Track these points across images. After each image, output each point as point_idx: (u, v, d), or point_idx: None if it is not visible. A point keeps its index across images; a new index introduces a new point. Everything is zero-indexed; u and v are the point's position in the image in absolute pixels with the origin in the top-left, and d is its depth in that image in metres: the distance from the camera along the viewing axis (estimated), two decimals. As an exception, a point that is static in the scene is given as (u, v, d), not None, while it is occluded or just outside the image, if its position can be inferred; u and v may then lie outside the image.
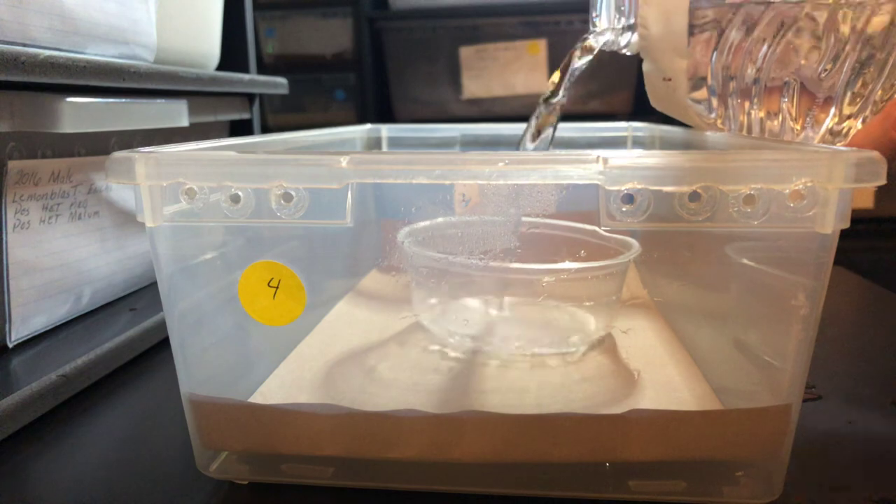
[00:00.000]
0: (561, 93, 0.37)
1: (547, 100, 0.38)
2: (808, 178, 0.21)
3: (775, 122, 0.29)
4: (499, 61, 1.16)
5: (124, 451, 0.29)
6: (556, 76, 0.37)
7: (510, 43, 1.16)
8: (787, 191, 0.21)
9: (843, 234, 0.22)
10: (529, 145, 0.39)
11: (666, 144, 0.47)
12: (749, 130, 0.30)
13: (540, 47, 1.15)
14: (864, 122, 0.28)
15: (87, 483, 0.27)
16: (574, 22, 1.14)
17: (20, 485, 0.27)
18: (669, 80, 0.31)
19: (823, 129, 0.28)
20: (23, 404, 0.30)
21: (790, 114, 0.28)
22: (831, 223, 0.21)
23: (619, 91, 1.15)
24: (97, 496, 0.26)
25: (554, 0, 1.14)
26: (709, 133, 0.34)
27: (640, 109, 1.16)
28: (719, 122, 0.31)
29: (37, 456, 0.29)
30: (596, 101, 1.15)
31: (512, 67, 1.16)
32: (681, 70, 0.30)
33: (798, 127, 0.28)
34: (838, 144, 0.28)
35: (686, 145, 0.41)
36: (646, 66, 0.32)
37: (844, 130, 0.28)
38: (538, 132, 0.38)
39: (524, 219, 0.25)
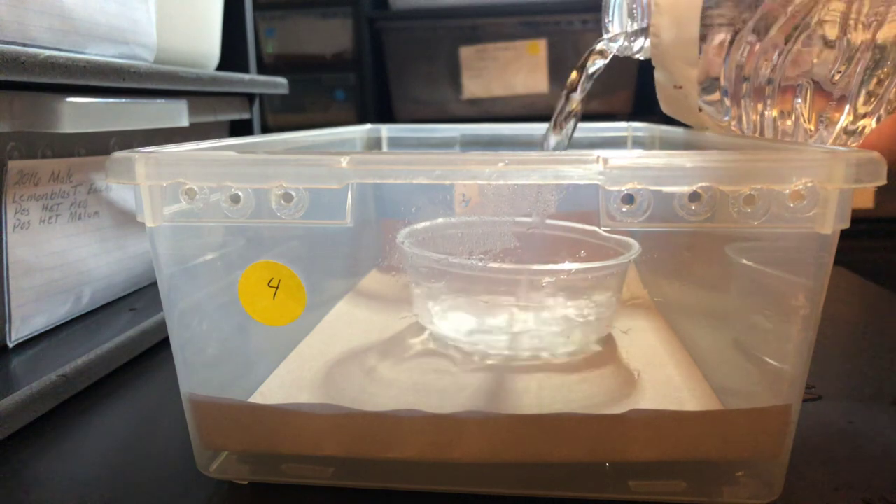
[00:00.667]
0: (579, 89, 0.37)
1: (568, 94, 0.38)
2: (808, 179, 0.21)
3: (788, 122, 0.29)
4: (499, 61, 1.16)
5: (124, 451, 0.29)
6: (573, 74, 0.37)
7: (510, 43, 1.16)
8: (788, 191, 0.21)
9: (843, 234, 0.22)
10: (552, 138, 0.39)
11: (666, 144, 0.47)
12: (762, 131, 0.30)
13: (540, 47, 1.15)
14: (878, 121, 0.28)
15: (87, 483, 0.27)
16: (574, 22, 1.14)
17: (20, 485, 0.27)
18: (681, 87, 0.31)
19: (838, 128, 0.28)
20: (23, 404, 0.30)
21: (804, 114, 0.28)
22: (831, 223, 0.21)
23: (619, 91, 1.15)
24: (97, 496, 0.26)
25: (554, 0, 1.14)
26: (709, 133, 0.34)
27: (640, 109, 1.16)
28: (733, 123, 0.31)
29: (37, 456, 0.29)
30: (596, 101, 1.15)
31: (512, 67, 1.16)
32: (692, 78, 0.30)
33: (812, 127, 0.28)
34: (853, 144, 0.28)
35: (686, 145, 0.41)
36: (657, 74, 0.32)
37: (859, 129, 0.28)
38: (561, 125, 0.38)
39: (520, 219, 0.25)
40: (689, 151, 0.22)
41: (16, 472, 0.27)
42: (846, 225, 0.21)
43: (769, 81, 0.28)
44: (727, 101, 0.30)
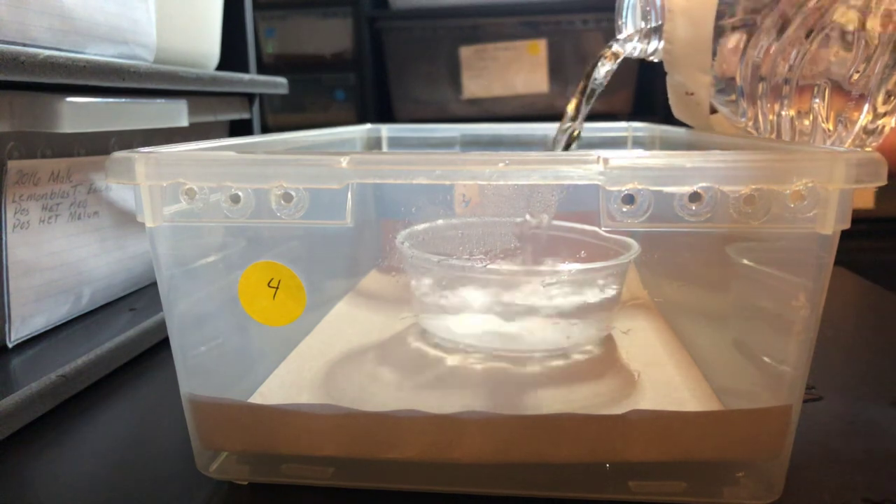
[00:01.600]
0: (579, 119, 0.37)
1: (578, 103, 0.37)
2: (809, 179, 0.21)
3: (806, 122, 0.28)
4: (499, 61, 1.16)
5: (124, 451, 0.29)
6: (572, 105, 0.37)
7: (510, 43, 1.16)
8: (788, 191, 0.21)
9: (844, 234, 0.22)
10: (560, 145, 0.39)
11: (666, 144, 0.47)
12: (779, 132, 0.30)
13: (540, 47, 1.15)
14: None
15: (87, 483, 0.27)
16: (574, 22, 1.14)
17: (20, 485, 0.27)
18: (693, 94, 0.31)
19: (857, 128, 0.28)
20: (23, 404, 0.30)
21: (822, 114, 0.28)
22: (832, 224, 0.21)
23: (619, 91, 1.15)
24: (97, 496, 0.26)
25: (554, 0, 1.14)
26: (709, 133, 0.34)
27: (640, 109, 1.16)
28: (749, 124, 0.31)
29: (37, 456, 0.29)
30: (596, 101, 1.15)
31: (512, 67, 1.16)
32: (704, 85, 0.30)
33: (830, 127, 0.28)
34: (872, 144, 0.28)
35: (686, 145, 0.41)
36: (670, 79, 0.32)
37: (879, 129, 0.28)
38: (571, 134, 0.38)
39: (526, 219, 0.25)
40: (690, 152, 0.22)
41: (16, 472, 0.27)
42: (847, 225, 0.21)
43: (786, 81, 0.28)
44: (743, 102, 0.30)
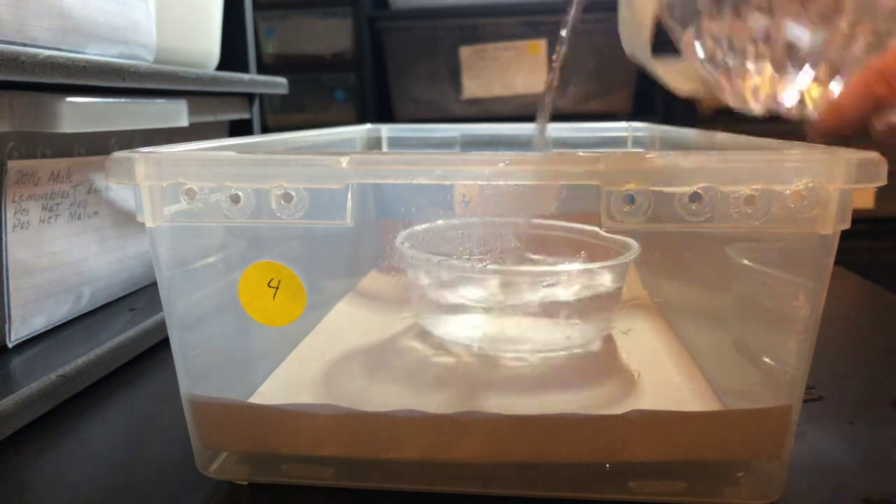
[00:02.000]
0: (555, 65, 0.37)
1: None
2: (809, 179, 0.21)
3: (749, 65, 0.28)
4: (499, 61, 1.16)
5: (124, 451, 0.29)
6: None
7: (510, 43, 1.16)
8: (788, 191, 0.21)
9: (844, 234, 0.22)
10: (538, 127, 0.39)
11: (666, 144, 0.47)
12: (722, 64, 0.29)
13: (540, 47, 1.15)
14: (843, 83, 0.27)
15: (87, 483, 0.27)
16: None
17: (20, 485, 0.27)
18: (641, 24, 0.30)
19: (799, 88, 0.27)
20: (23, 404, 0.30)
21: (767, 59, 0.27)
22: (832, 224, 0.21)
23: (619, 91, 1.15)
24: (97, 496, 0.26)
25: (554, 0, 1.14)
26: (709, 133, 0.34)
27: (640, 109, 1.16)
28: (688, 55, 0.30)
29: (37, 456, 0.29)
30: (596, 101, 1.15)
31: (512, 67, 1.16)
32: (648, 14, 0.30)
33: (766, 82, 0.27)
34: (814, 107, 0.27)
35: (686, 145, 0.41)
36: (621, 12, 0.32)
37: (819, 94, 0.27)
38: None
39: (514, 220, 0.25)
40: (690, 151, 0.22)
41: (16, 472, 0.27)
42: (847, 225, 0.21)
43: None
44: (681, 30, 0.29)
